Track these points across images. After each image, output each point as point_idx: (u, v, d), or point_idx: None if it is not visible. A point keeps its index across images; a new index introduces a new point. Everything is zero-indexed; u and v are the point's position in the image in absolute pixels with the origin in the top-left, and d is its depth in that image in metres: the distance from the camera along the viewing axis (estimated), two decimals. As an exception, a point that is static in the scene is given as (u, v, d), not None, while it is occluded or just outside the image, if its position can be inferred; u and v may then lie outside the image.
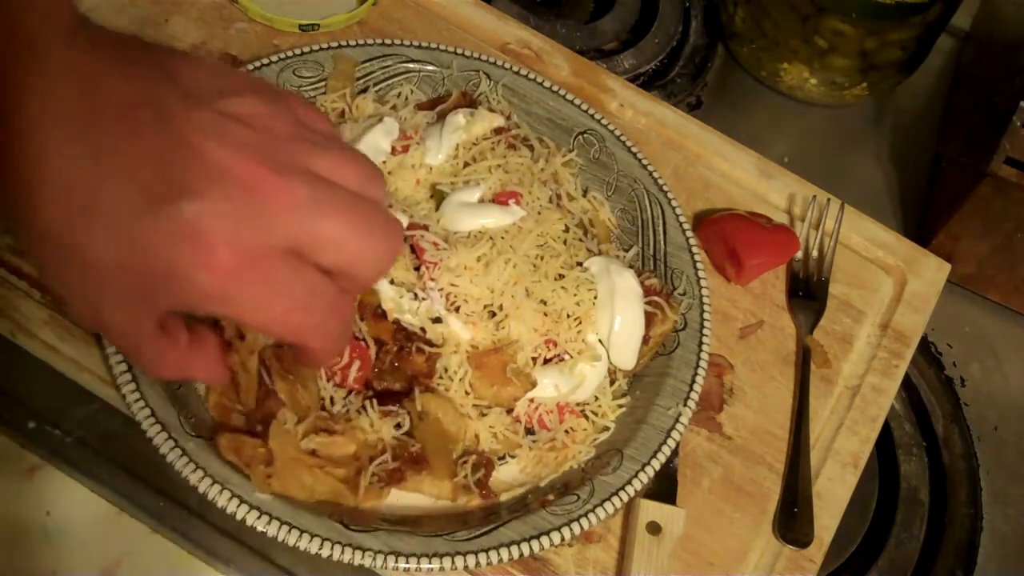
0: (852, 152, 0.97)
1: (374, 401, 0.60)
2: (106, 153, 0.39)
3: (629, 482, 0.60)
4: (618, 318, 0.64)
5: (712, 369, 0.71)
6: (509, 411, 0.63)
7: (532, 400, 0.62)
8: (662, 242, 0.72)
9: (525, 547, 0.57)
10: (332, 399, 0.60)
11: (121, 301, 0.42)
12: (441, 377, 0.61)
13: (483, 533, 0.57)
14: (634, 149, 0.75)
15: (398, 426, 0.60)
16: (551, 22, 0.98)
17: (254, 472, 0.56)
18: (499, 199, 0.66)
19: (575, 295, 0.64)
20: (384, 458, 0.58)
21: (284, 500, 0.56)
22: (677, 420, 0.63)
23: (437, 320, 0.61)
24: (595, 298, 0.65)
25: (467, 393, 0.61)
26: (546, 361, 0.64)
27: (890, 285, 0.80)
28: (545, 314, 0.63)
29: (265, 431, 0.57)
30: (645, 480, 0.61)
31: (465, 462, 0.60)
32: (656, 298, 0.66)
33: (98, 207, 0.39)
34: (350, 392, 0.61)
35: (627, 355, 0.65)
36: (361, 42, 0.77)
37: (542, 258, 0.65)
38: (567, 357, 0.64)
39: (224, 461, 0.57)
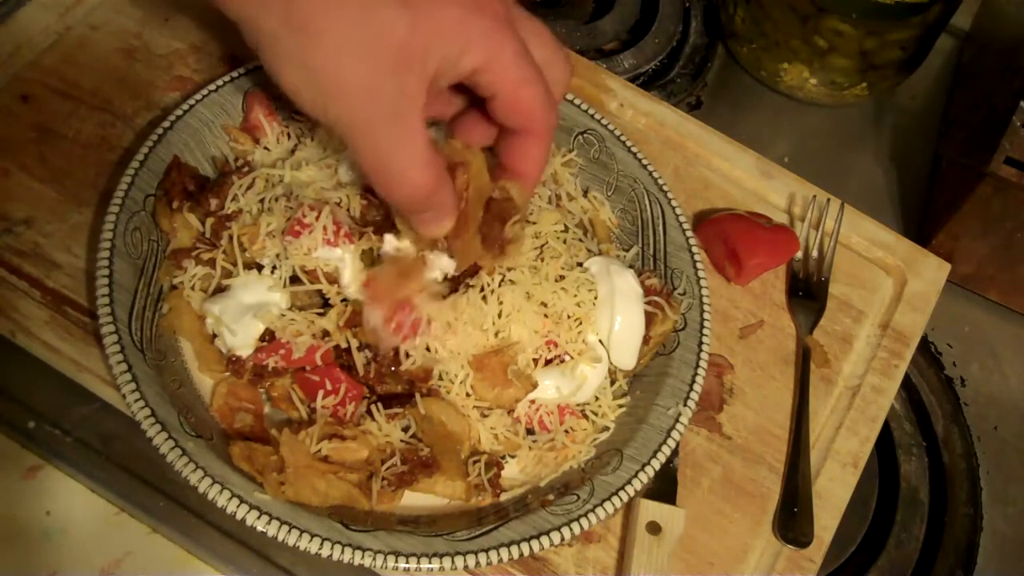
0: (852, 152, 0.97)
1: (379, 404, 0.60)
2: None
3: (629, 482, 0.60)
4: (618, 318, 0.64)
5: (712, 369, 0.71)
6: (510, 412, 0.63)
7: (533, 401, 0.62)
8: (662, 242, 0.72)
9: (525, 547, 0.57)
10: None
11: (393, 69, 0.47)
12: (441, 378, 0.61)
13: (483, 533, 0.57)
14: (634, 149, 0.75)
15: (406, 429, 0.60)
16: (551, 22, 0.98)
17: (267, 480, 0.56)
18: None
19: (575, 296, 0.64)
20: (394, 461, 0.59)
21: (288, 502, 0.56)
22: (677, 420, 0.63)
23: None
24: (595, 299, 0.65)
25: (468, 395, 0.61)
26: (547, 362, 0.64)
27: (890, 285, 0.80)
28: (546, 315, 0.63)
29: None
30: (645, 480, 0.61)
31: (476, 462, 0.60)
32: (656, 298, 0.66)
33: None
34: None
35: (627, 355, 0.65)
36: (361, 42, 0.76)
37: (542, 259, 0.65)
38: (568, 358, 0.64)
39: (232, 467, 0.57)
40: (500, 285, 0.62)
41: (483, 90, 0.52)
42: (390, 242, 0.61)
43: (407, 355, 0.60)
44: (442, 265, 0.60)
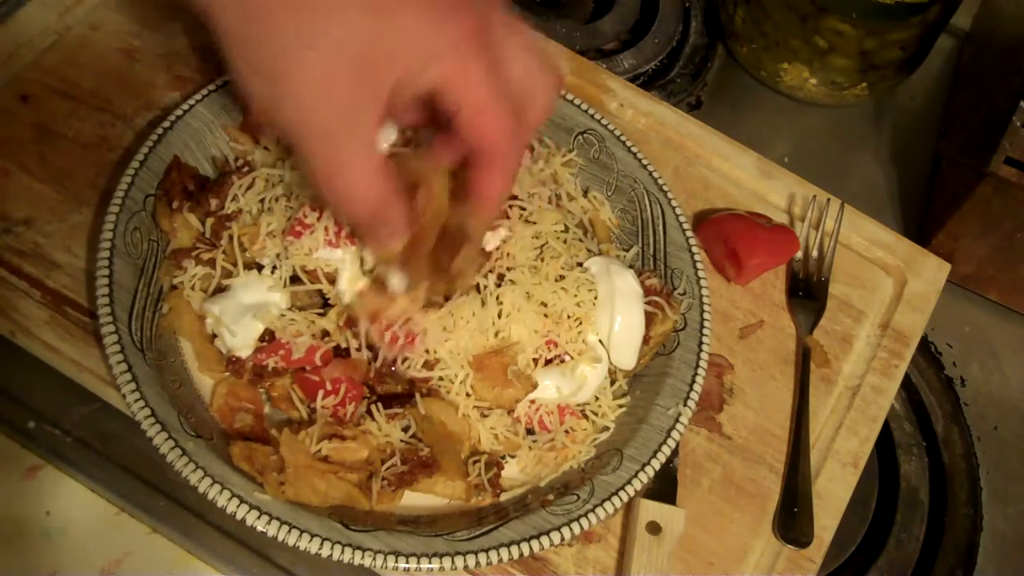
0: (852, 152, 0.97)
1: (379, 404, 0.60)
2: None
3: (629, 482, 0.60)
4: (618, 318, 0.64)
5: (712, 369, 0.71)
6: (510, 412, 0.63)
7: (533, 401, 0.62)
8: (662, 242, 0.72)
9: (525, 547, 0.57)
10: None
11: (350, 76, 0.45)
12: (441, 379, 0.61)
13: (483, 533, 0.57)
14: (634, 149, 0.75)
15: (406, 429, 0.60)
16: (551, 22, 0.98)
17: (267, 480, 0.56)
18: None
19: (575, 296, 0.64)
20: (394, 461, 0.59)
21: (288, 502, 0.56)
22: (677, 420, 0.63)
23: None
24: (595, 299, 0.65)
25: (468, 395, 0.61)
26: (547, 362, 0.64)
27: (890, 285, 0.80)
28: (545, 315, 0.63)
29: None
30: (645, 480, 0.61)
31: (476, 462, 0.60)
32: (656, 298, 0.66)
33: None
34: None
35: (627, 355, 0.65)
36: (361, 42, 0.76)
37: (542, 259, 0.65)
38: (568, 358, 0.64)
39: (232, 467, 0.57)
40: (500, 285, 0.62)
41: (447, 107, 0.49)
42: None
43: (403, 361, 0.60)
44: (393, 283, 0.59)
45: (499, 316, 0.61)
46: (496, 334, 0.62)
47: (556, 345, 0.63)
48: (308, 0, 0.44)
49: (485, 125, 0.49)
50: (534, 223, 0.66)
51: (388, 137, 0.67)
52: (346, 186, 0.49)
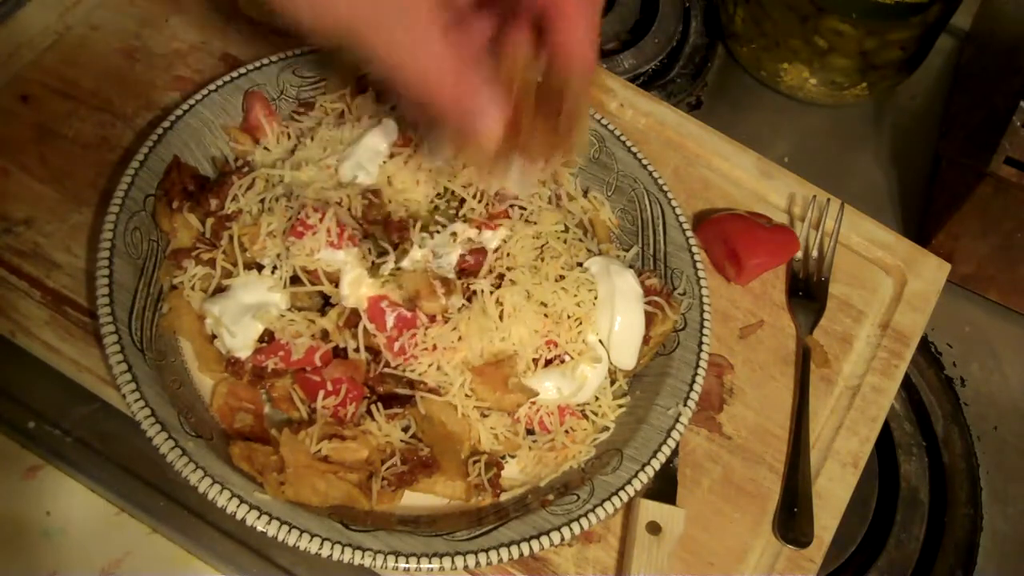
0: (852, 152, 0.97)
1: (379, 404, 0.60)
2: None
3: (629, 482, 0.60)
4: (618, 318, 0.64)
5: (712, 369, 0.71)
6: (510, 413, 0.63)
7: (533, 402, 0.62)
8: (662, 242, 0.72)
9: (525, 547, 0.57)
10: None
11: None
12: (441, 383, 0.61)
13: (483, 533, 0.57)
14: (634, 149, 0.75)
15: (406, 429, 0.60)
16: (551, 22, 0.98)
17: (267, 480, 0.56)
18: (485, 226, 0.65)
19: (575, 295, 0.64)
20: (394, 461, 0.59)
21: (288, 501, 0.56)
22: (677, 420, 0.63)
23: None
24: (595, 299, 0.65)
25: (468, 396, 0.61)
26: (547, 362, 0.63)
27: (890, 285, 0.80)
28: (546, 315, 0.63)
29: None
30: (645, 480, 0.61)
31: (476, 462, 0.60)
32: (656, 298, 0.66)
33: None
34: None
35: (627, 355, 0.65)
36: (361, 42, 0.76)
37: (542, 259, 0.65)
38: (568, 358, 0.64)
39: (232, 467, 0.57)
40: (499, 286, 0.62)
41: None
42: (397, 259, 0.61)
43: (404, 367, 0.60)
44: (514, 180, 0.56)
45: (500, 317, 0.61)
46: (500, 339, 0.62)
47: (556, 345, 0.63)
48: None
49: None
50: (534, 223, 0.66)
51: (389, 136, 0.68)
52: (417, 66, 0.47)
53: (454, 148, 0.55)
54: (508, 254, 0.64)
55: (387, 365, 0.60)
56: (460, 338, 0.60)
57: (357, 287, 0.61)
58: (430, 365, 0.60)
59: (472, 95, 0.49)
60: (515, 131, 0.52)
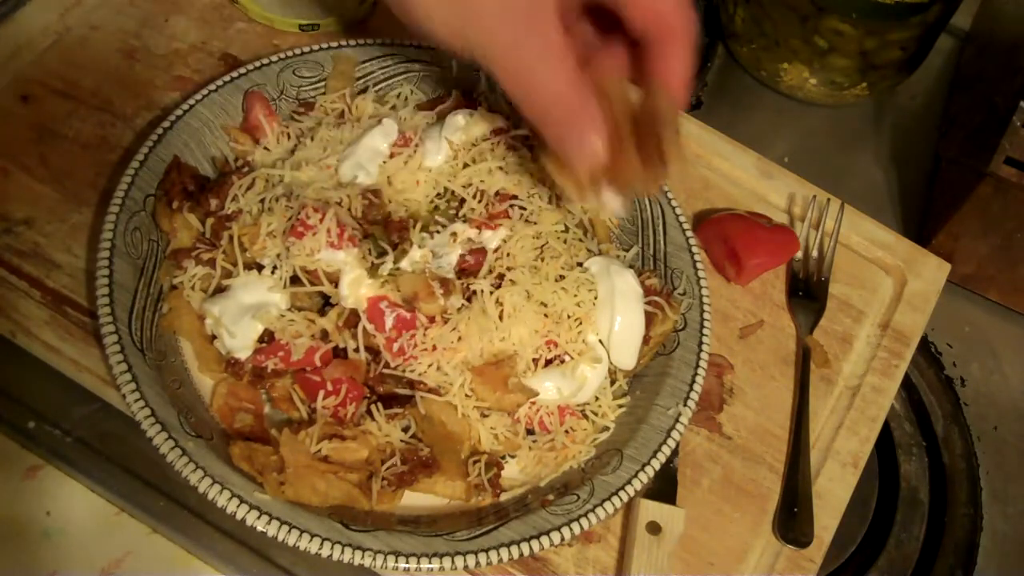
0: (852, 152, 0.97)
1: (379, 404, 0.60)
2: None
3: (629, 482, 0.60)
4: (618, 318, 0.64)
5: (712, 369, 0.71)
6: (510, 413, 0.63)
7: (533, 402, 0.62)
8: (662, 242, 0.72)
9: (525, 547, 0.57)
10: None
11: None
12: (441, 384, 0.61)
13: (483, 533, 0.57)
14: (634, 149, 0.75)
15: (406, 429, 0.60)
16: (551, 22, 0.97)
17: (267, 480, 0.56)
18: (485, 226, 0.65)
19: (575, 295, 0.64)
20: (394, 461, 0.59)
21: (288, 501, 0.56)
22: (677, 420, 0.63)
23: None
24: (595, 299, 0.65)
25: (468, 396, 0.61)
26: (547, 363, 0.63)
27: (890, 285, 0.80)
28: (546, 315, 0.63)
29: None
30: (645, 480, 0.61)
31: (476, 462, 0.60)
32: (656, 298, 0.66)
33: None
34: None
35: (627, 355, 0.65)
36: (361, 42, 0.77)
37: (542, 259, 0.65)
38: (568, 358, 0.64)
39: (232, 467, 0.57)
40: (499, 286, 0.62)
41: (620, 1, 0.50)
42: (399, 258, 0.61)
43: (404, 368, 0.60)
44: (611, 204, 0.58)
45: (500, 318, 0.61)
46: (500, 339, 0.62)
47: (556, 345, 0.63)
48: None
49: (660, 4, 0.50)
50: (534, 223, 0.66)
51: (389, 136, 0.68)
52: (541, 86, 0.50)
53: (554, 167, 0.57)
54: (508, 254, 0.64)
55: (387, 365, 0.60)
56: (460, 338, 0.60)
57: (356, 287, 0.61)
58: (430, 365, 0.60)
59: (584, 115, 0.52)
60: (613, 157, 0.54)
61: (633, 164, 0.55)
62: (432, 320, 0.60)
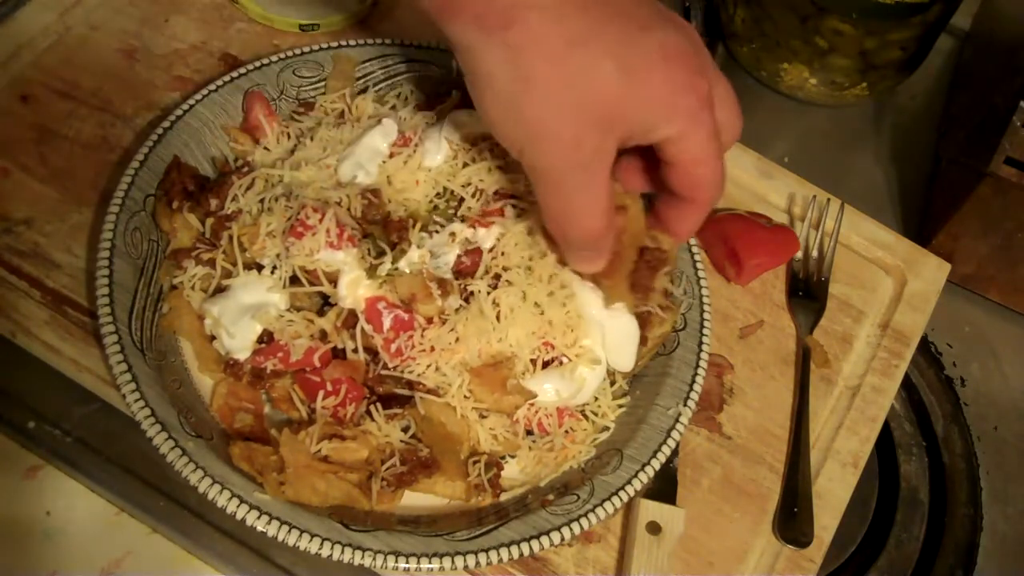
0: (852, 152, 0.97)
1: (379, 405, 0.60)
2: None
3: (629, 482, 0.60)
4: (607, 328, 0.63)
5: (712, 369, 0.71)
6: (509, 415, 0.63)
7: (532, 404, 0.62)
8: (662, 242, 0.72)
9: (525, 547, 0.57)
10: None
11: (595, 129, 0.48)
12: (439, 384, 0.61)
13: (483, 533, 0.57)
14: (634, 149, 0.75)
15: (405, 429, 0.60)
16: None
17: (267, 480, 0.56)
18: (479, 223, 0.65)
19: (564, 304, 0.63)
20: (393, 462, 0.59)
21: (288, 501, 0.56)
22: (677, 420, 0.63)
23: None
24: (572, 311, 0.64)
25: (466, 397, 0.61)
26: (545, 364, 0.63)
27: (890, 285, 0.80)
28: (542, 313, 0.63)
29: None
30: (645, 480, 0.61)
31: (476, 462, 0.60)
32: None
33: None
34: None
35: (624, 358, 0.65)
36: (361, 42, 0.77)
37: (534, 258, 0.64)
38: (565, 360, 0.63)
39: (232, 467, 0.57)
40: (496, 287, 0.62)
41: (664, 156, 0.52)
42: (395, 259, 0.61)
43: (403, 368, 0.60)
44: (588, 298, 0.61)
45: (497, 319, 0.61)
46: (497, 340, 0.61)
47: (553, 347, 0.63)
48: (569, 51, 0.47)
49: (701, 178, 0.53)
50: (526, 220, 0.65)
51: (389, 136, 0.67)
52: (578, 220, 0.53)
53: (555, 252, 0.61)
54: (503, 253, 0.63)
55: (385, 366, 0.60)
56: (457, 339, 0.60)
57: (355, 288, 0.61)
58: (428, 366, 0.60)
59: (605, 254, 0.57)
60: (608, 273, 0.59)
61: (620, 286, 0.60)
62: (430, 321, 0.60)
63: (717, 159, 0.52)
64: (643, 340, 0.65)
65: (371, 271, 0.61)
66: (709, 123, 0.51)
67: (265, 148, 0.71)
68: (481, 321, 0.60)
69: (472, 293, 0.61)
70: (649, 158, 0.56)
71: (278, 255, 0.63)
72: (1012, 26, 0.89)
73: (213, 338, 0.63)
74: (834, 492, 0.69)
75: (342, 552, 0.54)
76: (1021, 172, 0.76)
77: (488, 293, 0.61)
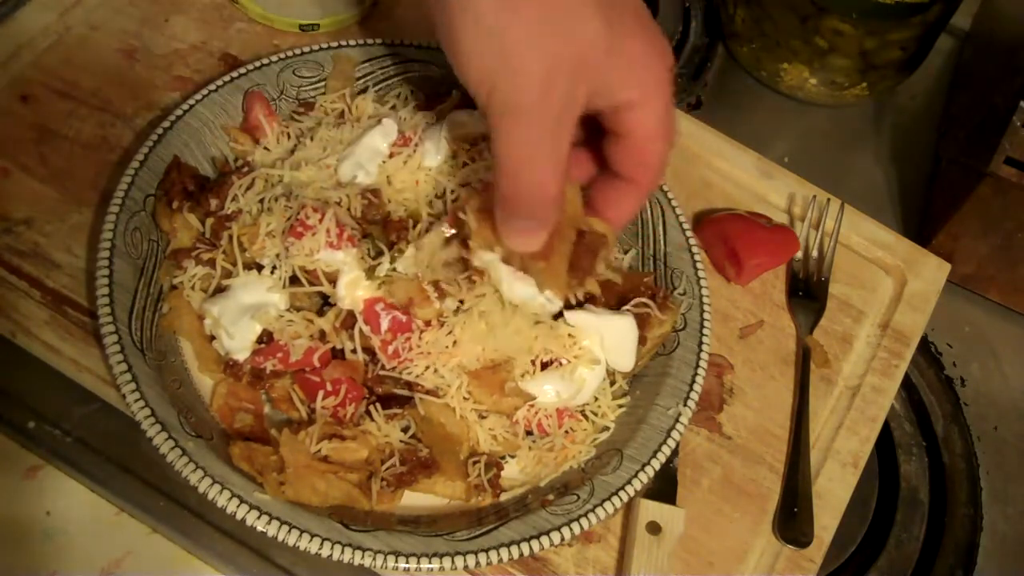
0: (852, 152, 0.97)
1: (378, 405, 0.60)
2: None
3: (629, 482, 0.60)
4: (604, 331, 0.63)
5: (712, 369, 0.71)
6: (508, 416, 0.63)
7: (532, 405, 0.62)
8: (662, 242, 0.72)
9: (525, 547, 0.57)
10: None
11: (570, 75, 0.47)
12: (439, 385, 0.61)
13: (483, 533, 0.57)
14: (634, 149, 0.75)
15: (405, 430, 0.60)
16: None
17: (267, 480, 0.56)
18: None
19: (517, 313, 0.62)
20: (393, 462, 0.59)
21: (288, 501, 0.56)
22: (677, 420, 0.63)
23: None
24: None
25: (466, 398, 0.61)
26: (545, 365, 0.63)
27: (890, 285, 0.80)
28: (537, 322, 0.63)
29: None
30: (645, 480, 0.61)
31: (476, 462, 0.60)
32: (644, 300, 0.65)
33: None
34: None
35: (623, 359, 0.65)
36: (361, 42, 0.77)
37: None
38: (565, 361, 0.63)
39: (232, 467, 0.57)
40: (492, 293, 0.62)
41: (619, 127, 0.51)
42: (395, 262, 0.61)
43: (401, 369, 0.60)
44: (517, 290, 0.58)
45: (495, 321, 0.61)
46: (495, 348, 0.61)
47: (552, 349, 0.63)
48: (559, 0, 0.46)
49: (650, 154, 0.52)
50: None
51: (388, 136, 0.67)
52: (535, 181, 0.50)
53: (476, 219, 0.56)
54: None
55: (383, 367, 0.60)
56: (455, 342, 0.60)
57: (353, 289, 0.61)
58: (426, 368, 0.60)
59: (550, 224, 0.52)
60: (544, 255, 0.54)
61: (557, 268, 0.56)
62: (428, 324, 0.60)
63: (668, 139, 0.51)
64: (643, 340, 0.65)
65: (370, 272, 0.61)
66: (670, 95, 0.50)
67: (265, 148, 0.71)
68: (478, 324, 0.60)
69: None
70: (591, 141, 0.55)
71: (278, 255, 0.63)
72: (1012, 26, 0.89)
73: (213, 338, 0.63)
74: (834, 492, 0.69)
75: (342, 552, 0.54)
76: (1021, 172, 0.76)
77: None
